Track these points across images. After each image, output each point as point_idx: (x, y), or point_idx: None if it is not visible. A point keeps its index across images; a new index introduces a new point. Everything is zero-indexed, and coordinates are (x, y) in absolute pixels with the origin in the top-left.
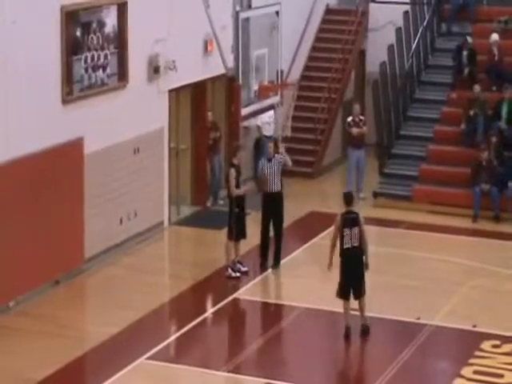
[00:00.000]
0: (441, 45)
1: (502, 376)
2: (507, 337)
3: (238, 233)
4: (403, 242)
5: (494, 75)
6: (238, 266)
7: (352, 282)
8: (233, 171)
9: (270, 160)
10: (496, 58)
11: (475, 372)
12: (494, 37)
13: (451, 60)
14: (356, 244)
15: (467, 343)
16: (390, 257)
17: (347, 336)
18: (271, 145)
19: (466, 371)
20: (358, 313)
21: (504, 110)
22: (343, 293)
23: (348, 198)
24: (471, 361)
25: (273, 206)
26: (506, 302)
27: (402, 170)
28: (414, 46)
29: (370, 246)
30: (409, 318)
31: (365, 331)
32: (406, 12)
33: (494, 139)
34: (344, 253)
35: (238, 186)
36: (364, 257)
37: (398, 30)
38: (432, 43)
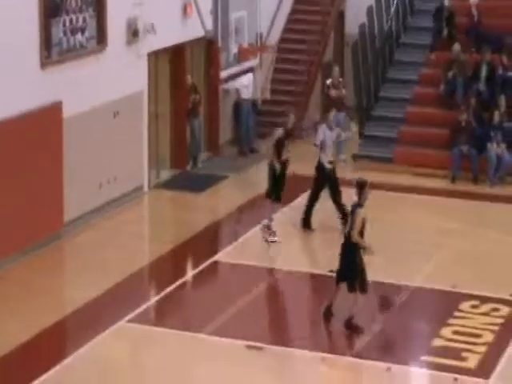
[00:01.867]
0: (420, 6)
1: (480, 336)
2: (486, 297)
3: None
4: (383, 204)
5: (473, 37)
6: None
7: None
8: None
9: (330, 128)
10: (475, 19)
11: (454, 332)
12: None
13: (430, 22)
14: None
15: (446, 304)
16: (370, 219)
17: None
18: (332, 113)
19: (446, 331)
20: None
21: (483, 72)
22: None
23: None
24: (450, 321)
25: (332, 174)
26: (484, 263)
27: (381, 132)
28: (393, 8)
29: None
30: (388, 279)
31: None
32: None
33: (472, 101)
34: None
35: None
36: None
37: None
38: (411, 5)
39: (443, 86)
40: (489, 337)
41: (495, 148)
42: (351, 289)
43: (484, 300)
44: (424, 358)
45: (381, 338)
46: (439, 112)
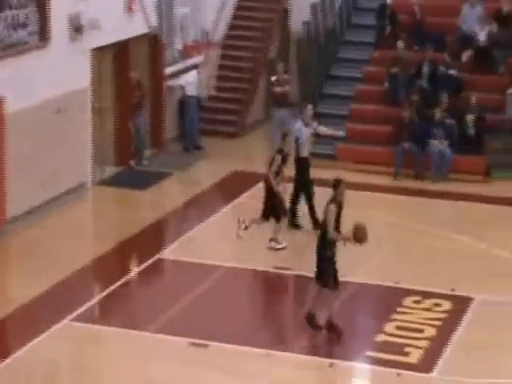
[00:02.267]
0: (363, 4)
1: (422, 331)
2: (428, 292)
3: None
4: (325, 201)
5: (416, 35)
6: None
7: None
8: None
9: (307, 125)
10: (418, 17)
11: (397, 327)
12: None
13: (373, 19)
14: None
15: (390, 299)
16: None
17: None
18: (310, 107)
19: (389, 327)
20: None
21: (425, 70)
22: None
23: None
24: (394, 316)
25: (307, 169)
26: (426, 259)
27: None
28: (337, 5)
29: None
30: None
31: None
32: None
33: (415, 98)
34: None
35: (278, 173)
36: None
37: None
38: (355, 3)
39: (387, 84)
40: (431, 332)
41: (437, 145)
42: (324, 284)
43: (426, 295)
44: (367, 353)
45: (324, 334)
46: (382, 109)
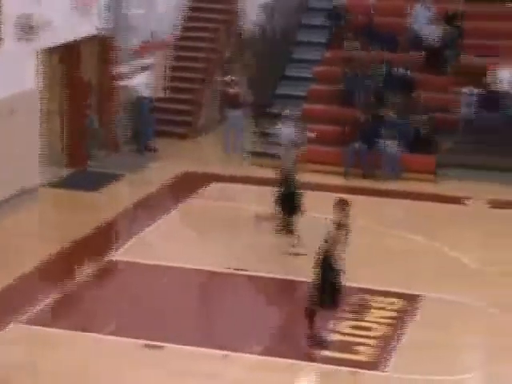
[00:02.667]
0: (316, 4)
1: (375, 329)
2: (381, 291)
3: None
4: None
5: (369, 35)
6: None
7: None
8: None
9: (286, 126)
10: (371, 18)
11: (351, 327)
12: None
13: (326, 20)
14: None
15: (343, 299)
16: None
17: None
18: (287, 110)
19: (343, 326)
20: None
21: (378, 70)
22: None
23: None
24: (347, 316)
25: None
26: (378, 258)
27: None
28: (289, 6)
29: (250, 204)
30: (288, 276)
31: None
32: None
33: (368, 98)
34: None
35: None
36: None
37: None
38: (307, 3)
39: (341, 84)
40: (384, 330)
41: (388, 144)
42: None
43: (379, 294)
44: (322, 352)
45: (281, 334)
46: (335, 109)
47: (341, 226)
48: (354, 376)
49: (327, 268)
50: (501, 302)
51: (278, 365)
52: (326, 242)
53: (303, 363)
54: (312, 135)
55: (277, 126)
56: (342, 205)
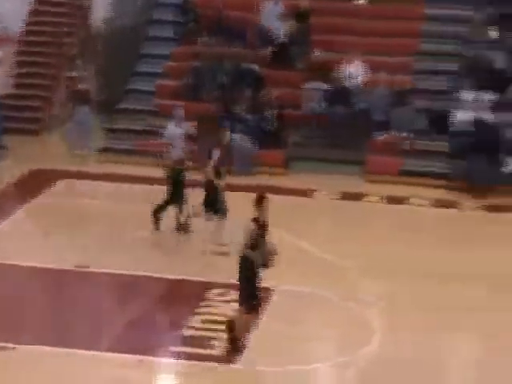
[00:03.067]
0: (166, 0)
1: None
2: (230, 284)
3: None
4: (131, 195)
5: (219, 30)
6: None
7: None
8: None
9: (178, 125)
10: (220, 13)
11: (202, 321)
12: None
13: (175, 15)
14: None
15: (194, 293)
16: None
17: None
18: (179, 110)
19: (194, 321)
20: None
21: (228, 64)
22: None
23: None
24: (198, 310)
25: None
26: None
27: (128, 125)
28: (138, 2)
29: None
30: (137, 272)
31: None
32: None
33: (218, 92)
34: None
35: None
36: None
37: None
38: None
39: (189, 79)
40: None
41: (238, 140)
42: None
43: (229, 288)
44: (175, 348)
45: (132, 330)
46: (186, 104)
47: (259, 221)
48: (206, 370)
49: (248, 267)
50: (355, 296)
51: (129, 361)
52: (246, 238)
53: (155, 359)
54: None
55: (168, 125)
56: (260, 201)
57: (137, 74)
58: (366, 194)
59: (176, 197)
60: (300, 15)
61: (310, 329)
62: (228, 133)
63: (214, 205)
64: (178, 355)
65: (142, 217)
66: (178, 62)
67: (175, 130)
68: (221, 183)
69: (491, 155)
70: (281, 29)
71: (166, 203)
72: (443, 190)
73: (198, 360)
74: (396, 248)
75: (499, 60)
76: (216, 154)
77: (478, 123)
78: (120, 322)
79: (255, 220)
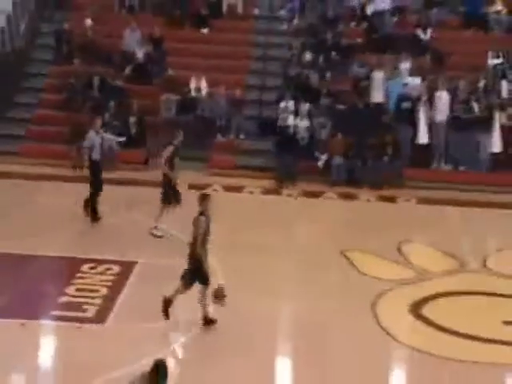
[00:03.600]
0: (44, 28)
1: (97, 291)
2: (101, 260)
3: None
4: (51, 192)
5: (89, 53)
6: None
7: None
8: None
9: (97, 133)
10: (90, 38)
11: (77, 290)
12: (88, 22)
13: (54, 40)
14: None
15: (70, 267)
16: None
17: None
18: (99, 121)
19: (70, 290)
20: None
21: (96, 81)
22: None
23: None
24: (73, 281)
25: (99, 170)
26: (95, 230)
27: (9, 130)
28: (22, 30)
29: None
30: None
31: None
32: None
33: (88, 105)
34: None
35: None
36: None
37: (9, 16)
38: (38, 27)
39: (65, 93)
40: (104, 291)
41: (108, 140)
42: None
43: (100, 262)
44: (53, 312)
45: (16, 299)
46: (60, 114)
47: (203, 215)
48: (80, 329)
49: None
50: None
51: (11, 324)
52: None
53: (36, 322)
54: (121, 139)
55: (90, 133)
56: (204, 198)
57: (22, 88)
58: (210, 185)
59: (97, 185)
60: (155, 40)
61: (167, 292)
62: (181, 133)
63: (169, 195)
64: (56, 318)
65: None
66: (56, 79)
67: (95, 136)
68: (174, 175)
69: (298, 153)
70: (139, 51)
71: (93, 194)
72: (269, 181)
73: (74, 321)
74: (228, 227)
75: (313, 78)
76: (168, 151)
77: (283, 128)
78: (5, 294)
79: (202, 214)
